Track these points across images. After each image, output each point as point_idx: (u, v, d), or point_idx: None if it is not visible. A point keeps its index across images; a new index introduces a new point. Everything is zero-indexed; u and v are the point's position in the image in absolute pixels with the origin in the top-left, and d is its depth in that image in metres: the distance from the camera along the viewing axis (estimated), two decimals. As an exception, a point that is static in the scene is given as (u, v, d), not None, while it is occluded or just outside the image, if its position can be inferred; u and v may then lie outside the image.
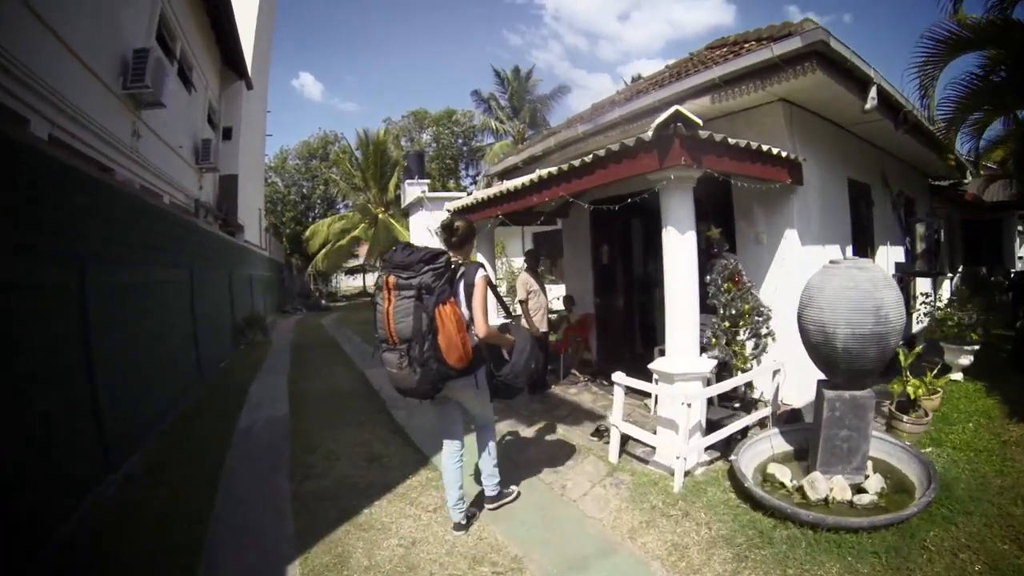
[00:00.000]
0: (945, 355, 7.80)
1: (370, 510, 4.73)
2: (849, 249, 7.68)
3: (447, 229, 4.26)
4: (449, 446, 4.37)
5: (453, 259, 4.05)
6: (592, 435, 6.28)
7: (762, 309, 5.96)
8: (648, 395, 6.79)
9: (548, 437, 6.42)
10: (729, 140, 5.09)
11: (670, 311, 5.26)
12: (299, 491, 5.15)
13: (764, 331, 5.96)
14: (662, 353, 6.60)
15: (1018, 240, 15.25)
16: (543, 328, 8.16)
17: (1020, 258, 15.31)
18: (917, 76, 7.95)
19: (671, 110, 4.57)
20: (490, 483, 4.64)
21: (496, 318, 4.77)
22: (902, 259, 9.82)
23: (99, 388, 5.13)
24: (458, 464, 4.35)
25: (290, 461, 5.92)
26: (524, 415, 7.18)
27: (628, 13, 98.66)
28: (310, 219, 42.78)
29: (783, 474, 4.78)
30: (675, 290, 5.19)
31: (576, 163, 5.52)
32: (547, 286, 8.66)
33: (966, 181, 12.75)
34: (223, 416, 7.65)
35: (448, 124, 44.97)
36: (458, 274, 3.98)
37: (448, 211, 8.65)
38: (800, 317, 4.67)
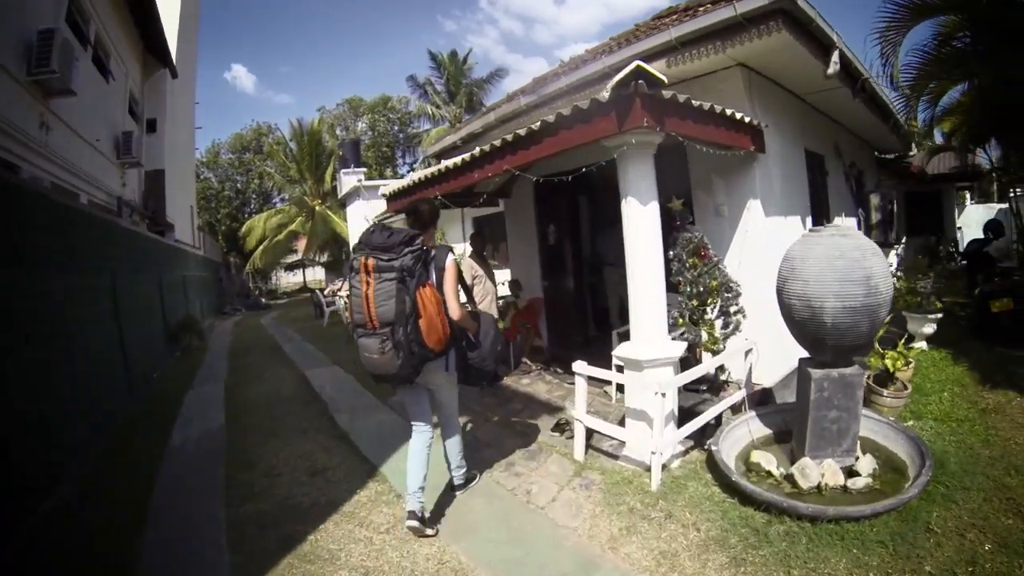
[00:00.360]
0: (908, 325, 7.55)
1: (315, 536, 4.08)
2: (809, 220, 7.32)
3: (412, 213, 4.22)
4: (419, 429, 4.16)
5: (434, 245, 4.08)
6: (553, 430, 5.74)
7: (731, 285, 5.48)
8: (607, 381, 6.32)
9: (505, 435, 5.82)
10: (693, 102, 4.57)
11: (634, 291, 4.73)
12: (237, 516, 4.46)
13: (734, 308, 5.48)
14: (622, 337, 6.19)
15: (956, 211, 15.38)
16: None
17: (959, 228, 15.49)
18: (879, 42, 7.61)
19: (632, 66, 4.00)
20: (459, 472, 4.55)
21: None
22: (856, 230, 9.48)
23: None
24: (427, 449, 4.14)
25: (226, 481, 5.20)
26: (476, 411, 6.57)
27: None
28: (246, 215, 41.29)
29: (768, 461, 4.33)
30: (638, 267, 4.67)
31: (522, 132, 4.91)
32: (493, 271, 8.10)
33: (911, 154, 12.68)
34: (155, 433, 6.81)
35: (384, 111, 43.94)
36: (430, 257, 3.90)
37: (383, 196, 7.95)
38: (780, 292, 4.21)
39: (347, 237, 25.97)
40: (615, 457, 4.98)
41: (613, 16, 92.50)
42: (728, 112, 5.04)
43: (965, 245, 12.13)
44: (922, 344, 7.39)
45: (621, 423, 5.00)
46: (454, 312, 3.87)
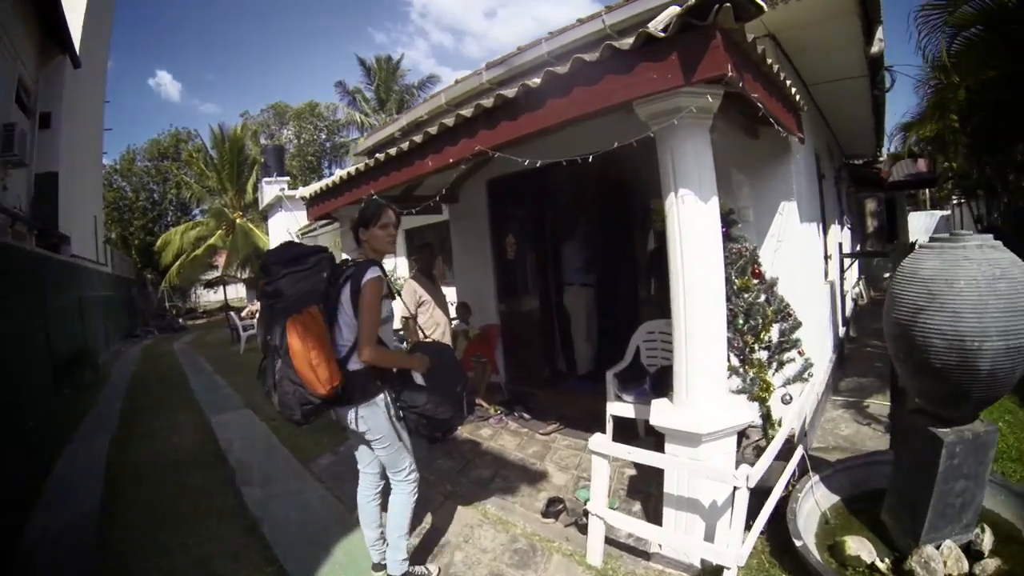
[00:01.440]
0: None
1: None
2: (820, 228, 6.02)
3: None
4: (362, 478, 3.40)
5: (359, 256, 3.23)
6: (545, 516, 4.03)
7: (789, 312, 3.94)
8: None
9: (476, 523, 4.06)
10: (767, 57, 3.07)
11: (682, 326, 3.09)
12: None
13: (793, 340, 3.94)
14: (623, 382, 4.65)
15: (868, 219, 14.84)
16: None
17: (916, 237, 14.87)
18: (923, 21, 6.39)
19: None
20: (394, 558, 3.28)
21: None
22: (841, 239, 8.28)
23: None
24: (374, 500, 3.39)
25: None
26: (431, 482, 4.71)
27: (494, 10, 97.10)
28: (162, 227, 37.36)
29: (863, 549, 3.02)
30: (693, 292, 3.03)
31: (511, 93, 3.26)
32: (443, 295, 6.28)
33: (881, 159, 11.75)
34: (4, 521, 4.54)
35: (311, 118, 41.35)
36: (343, 277, 3.04)
37: (301, 199, 6.13)
38: (909, 328, 2.74)
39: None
40: (644, 555, 3.43)
41: (542, 29, 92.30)
42: (785, 80, 3.57)
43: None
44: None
45: (657, 515, 3.42)
46: (362, 349, 2.89)
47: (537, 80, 3.05)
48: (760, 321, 3.74)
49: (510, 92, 3.22)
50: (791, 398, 3.80)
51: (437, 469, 5.02)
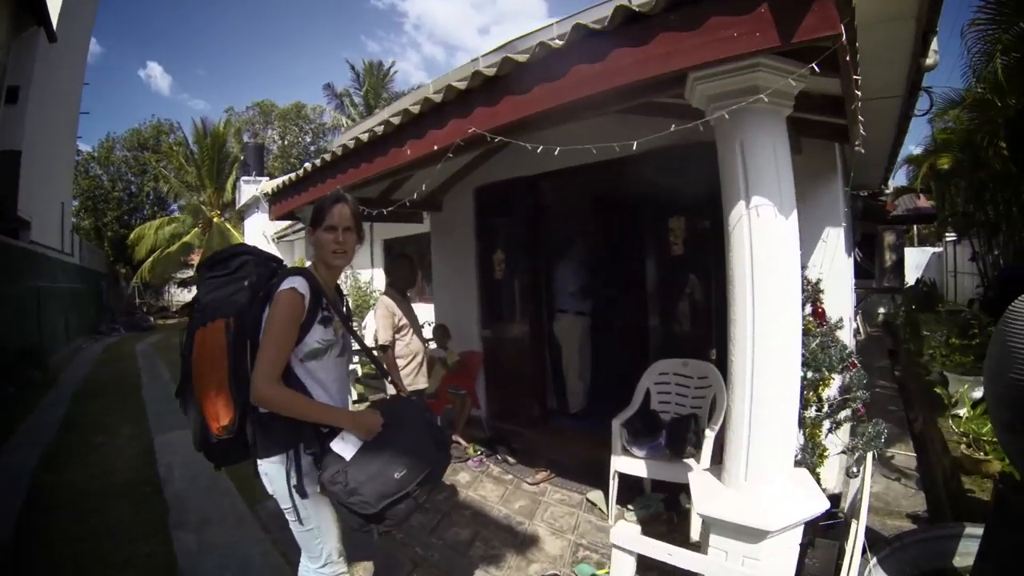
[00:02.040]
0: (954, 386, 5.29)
1: None
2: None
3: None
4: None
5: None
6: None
7: (854, 361, 3.09)
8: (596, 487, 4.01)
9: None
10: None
11: (752, 382, 2.22)
12: None
13: (859, 396, 3.08)
14: (634, 433, 3.82)
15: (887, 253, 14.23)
16: (420, 385, 4.89)
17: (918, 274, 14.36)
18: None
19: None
20: None
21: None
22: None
23: None
24: None
25: None
26: (399, 542, 3.81)
27: (488, 27, 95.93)
28: (137, 220, 35.29)
29: None
30: (769, 338, 2.19)
31: (520, 58, 2.43)
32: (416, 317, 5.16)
33: (887, 191, 11.10)
34: None
35: (296, 120, 39.87)
36: (271, 286, 2.18)
37: (263, 195, 5.20)
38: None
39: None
40: None
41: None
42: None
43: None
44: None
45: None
46: (256, 384, 2.02)
47: (559, 40, 2.20)
48: (825, 372, 2.90)
49: (520, 56, 2.37)
50: (857, 471, 2.96)
51: (406, 525, 4.09)
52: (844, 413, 3.10)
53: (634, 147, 2.28)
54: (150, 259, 26.03)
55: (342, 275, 13.18)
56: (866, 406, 3.13)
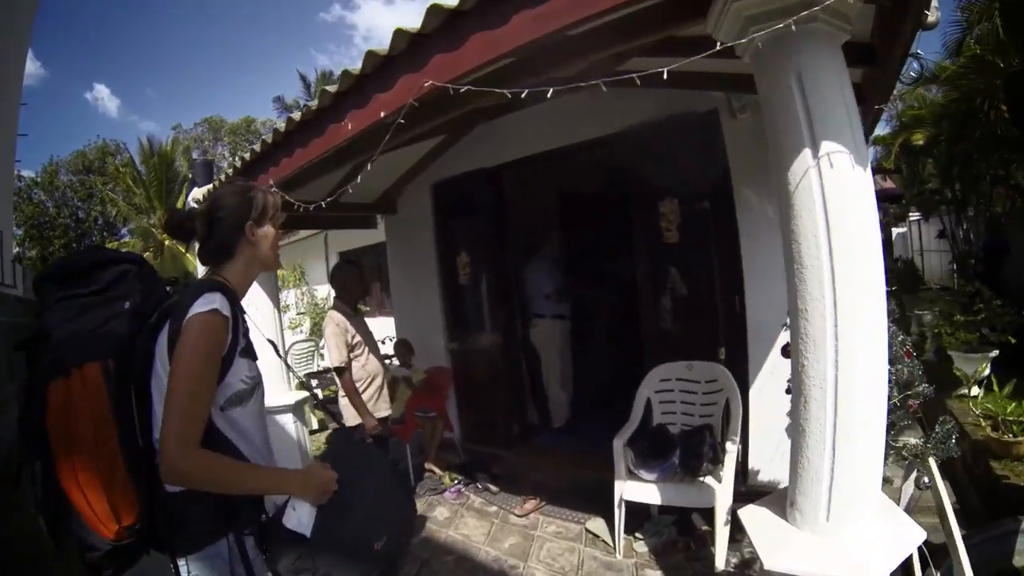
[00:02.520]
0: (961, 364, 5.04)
1: None
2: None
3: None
4: None
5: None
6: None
7: (909, 347, 2.52)
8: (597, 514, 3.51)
9: None
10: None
11: (835, 395, 1.63)
12: None
13: (920, 391, 2.51)
14: (641, 457, 3.26)
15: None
16: (383, 411, 4.09)
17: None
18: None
19: None
20: None
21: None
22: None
23: None
24: None
25: None
26: None
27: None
28: (85, 247, 34.27)
29: None
30: (854, 336, 1.61)
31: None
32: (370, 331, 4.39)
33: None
34: None
35: (247, 135, 37.90)
36: (159, 311, 1.51)
37: (195, 202, 4.42)
38: None
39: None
40: None
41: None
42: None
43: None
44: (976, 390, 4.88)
45: None
46: (173, 461, 1.34)
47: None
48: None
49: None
50: (929, 482, 2.42)
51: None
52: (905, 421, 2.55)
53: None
54: (99, 288, 24.81)
55: (301, 292, 12.13)
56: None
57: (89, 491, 1.40)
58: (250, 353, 1.60)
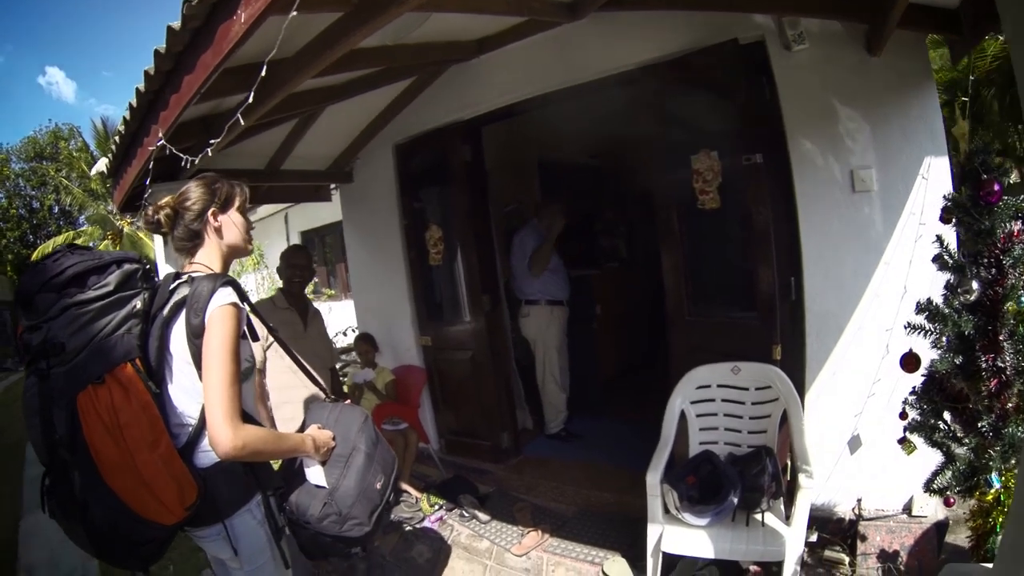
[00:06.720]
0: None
1: None
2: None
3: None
4: None
5: (193, 269, 1.67)
6: None
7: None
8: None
9: None
10: None
11: None
12: None
13: None
14: (688, 497, 2.43)
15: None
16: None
17: None
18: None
19: None
20: None
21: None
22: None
23: None
24: None
25: None
26: None
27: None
28: (42, 238, 31.09)
29: None
30: None
31: None
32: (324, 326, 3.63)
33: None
34: None
35: None
36: (168, 305, 1.57)
37: (99, 174, 3.50)
38: None
39: (161, 264, 20.38)
40: None
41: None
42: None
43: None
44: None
45: None
46: (221, 439, 1.43)
47: None
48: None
49: None
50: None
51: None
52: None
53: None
54: (57, 280, 23.51)
55: (262, 276, 11.05)
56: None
57: (156, 485, 1.42)
58: (248, 336, 1.69)
